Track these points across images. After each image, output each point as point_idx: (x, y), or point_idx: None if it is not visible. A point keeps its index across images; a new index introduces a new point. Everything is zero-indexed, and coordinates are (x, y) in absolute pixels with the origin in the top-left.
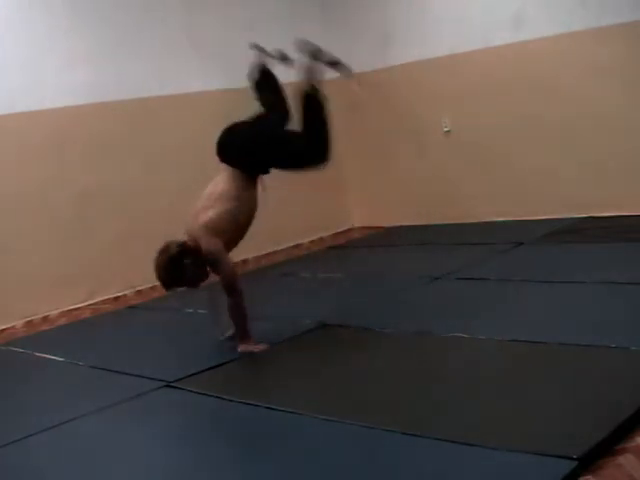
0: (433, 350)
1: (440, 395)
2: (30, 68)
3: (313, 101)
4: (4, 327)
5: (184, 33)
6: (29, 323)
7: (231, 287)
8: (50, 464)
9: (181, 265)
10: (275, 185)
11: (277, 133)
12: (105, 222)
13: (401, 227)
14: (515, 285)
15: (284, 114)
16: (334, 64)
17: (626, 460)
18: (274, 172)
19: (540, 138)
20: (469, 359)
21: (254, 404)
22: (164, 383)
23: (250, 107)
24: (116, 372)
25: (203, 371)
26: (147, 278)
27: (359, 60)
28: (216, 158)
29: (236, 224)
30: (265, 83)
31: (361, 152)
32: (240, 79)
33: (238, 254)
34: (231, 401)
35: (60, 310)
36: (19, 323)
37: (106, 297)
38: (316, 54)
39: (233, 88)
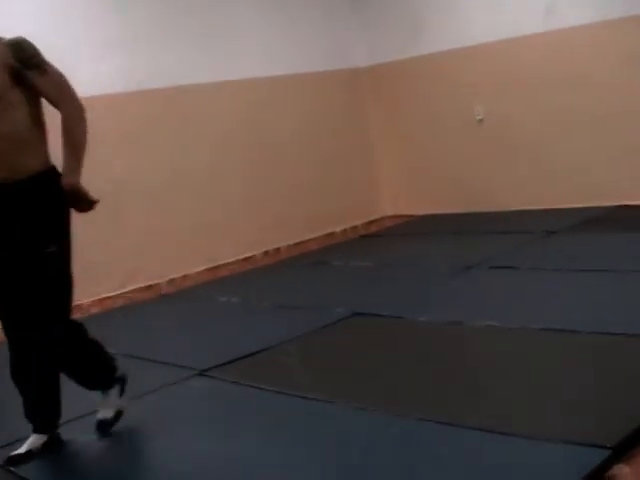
0: (465, 339)
1: (472, 384)
2: (65, 57)
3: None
4: None
5: (220, 20)
6: None
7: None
8: (85, 450)
9: None
10: (307, 174)
11: None
12: (137, 211)
13: (433, 216)
14: (547, 274)
15: None
16: None
17: None
18: (305, 163)
19: (573, 126)
20: (501, 348)
21: (287, 393)
22: (197, 371)
23: (286, 95)
24: (149, 360)
25: (236, 360)
26: (180, 267)
27: (391, 49)
28: (249, 149)
29: None
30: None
31: (393, 141)
32: (275, 67)
33: (271, 243)
34: (263, 389)
35: (92, 299)
36: None
37: (138, 286)
38: None
39: (269, 76)
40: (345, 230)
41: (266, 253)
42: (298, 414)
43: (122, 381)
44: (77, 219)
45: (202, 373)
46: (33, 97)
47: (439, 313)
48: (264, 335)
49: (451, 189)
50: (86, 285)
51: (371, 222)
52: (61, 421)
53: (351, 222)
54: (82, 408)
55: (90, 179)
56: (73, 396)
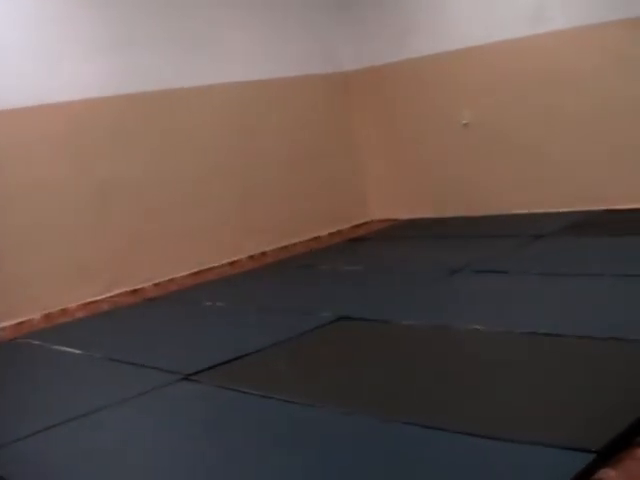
0: (452, 343)
1: (458, 388)
2: (49, 61)
3: None
4: (23, 320)
5: (206, 24)
6: (47, 316)
7: None
8: (70, 456)
9: None
10: (293, 178)
11: None
12: (123, 215)
13: (420, 220)
14: (534, 278)
15: None
16: None
17: None
18: (291, 166)
19: (559, 131)
20: (487, 352)
21: (272, 397)
22: (181, 376)
23: (272, 98)
24: (134, 365)
25: (221, 364)
26: (165, 271)
27: (378, 52)
28: (235, 153)
29: None
30: None
31: (380, 145)
32: (261, 71)
33: (257, 247)
34: (248, 394)
35: (78, 303)
36: (37, 315)
37: (124, 290)
38: None
39: (255, 80)
40: (331, 234)
41: (252, 257)
42: (283, 418)
43: None
44: (63, 223)
45: (187, 377)
46: None
47: (425, 317)
48: (249, 339)
49: (438, 193)
50: (72, 289)
51: (357, 226)
52: (61, 420)
53: (337, 226)
54: (81, 408)
55: (76, 182)
56: (73, 396)
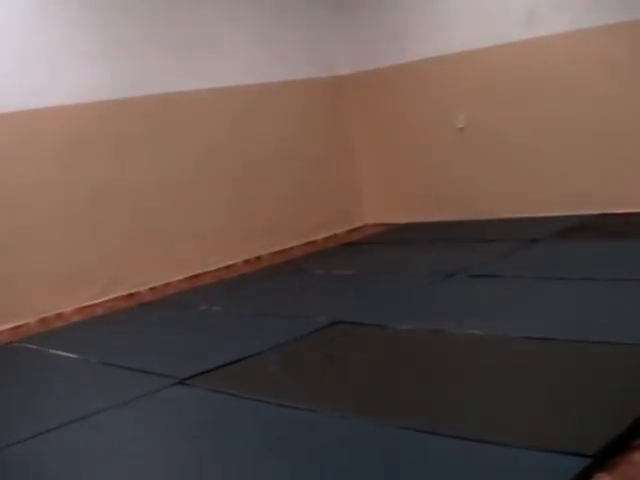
0: (448, 347)
1: (454, 392)
2: (45, 64)
3: None
4: (18, 324)
5: (203, 28)
6: (43, 320)
7: None
8: (66, 460)
9: None
10: (289, 182)
11: None
12: (118, 218)
13: (415, 224)
14: (529, 282)
15: None
16: None
17: None
18: (287, 170)
19: (555, 134)
20: (484, 356)
21: (267, 402)
22: (177, 380)
23: (268, 103)
24: (129, 369)
25: (216, 368)
26: (161, 275)
27: (373, 57)
28: (230, 157)
29: None
30: None
31: (375, 149)
32: (258, 75)
33: (252, 251)
34: (244, 398)
35: (74, 307)
36: (33, 320)
37: (120, 294)
38: None
39: (252, 84)
40: (327, 238)
41: (247, 261)
42: (279, 422)
43: None
44: (58, 227)
45: (182, 381)
46: None
47: (420, 321)
48: (245, 343)
49: (433, 197)
50: (67, 293)
51: (353, 230)
52: (58, 424)
53: (333, 230)
54: (78, 412)
55: (72, 186)
56: (69, 400)
